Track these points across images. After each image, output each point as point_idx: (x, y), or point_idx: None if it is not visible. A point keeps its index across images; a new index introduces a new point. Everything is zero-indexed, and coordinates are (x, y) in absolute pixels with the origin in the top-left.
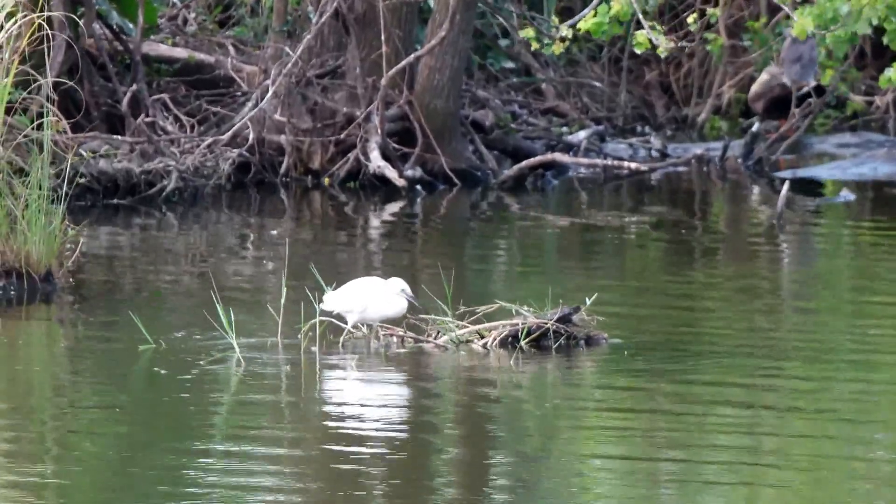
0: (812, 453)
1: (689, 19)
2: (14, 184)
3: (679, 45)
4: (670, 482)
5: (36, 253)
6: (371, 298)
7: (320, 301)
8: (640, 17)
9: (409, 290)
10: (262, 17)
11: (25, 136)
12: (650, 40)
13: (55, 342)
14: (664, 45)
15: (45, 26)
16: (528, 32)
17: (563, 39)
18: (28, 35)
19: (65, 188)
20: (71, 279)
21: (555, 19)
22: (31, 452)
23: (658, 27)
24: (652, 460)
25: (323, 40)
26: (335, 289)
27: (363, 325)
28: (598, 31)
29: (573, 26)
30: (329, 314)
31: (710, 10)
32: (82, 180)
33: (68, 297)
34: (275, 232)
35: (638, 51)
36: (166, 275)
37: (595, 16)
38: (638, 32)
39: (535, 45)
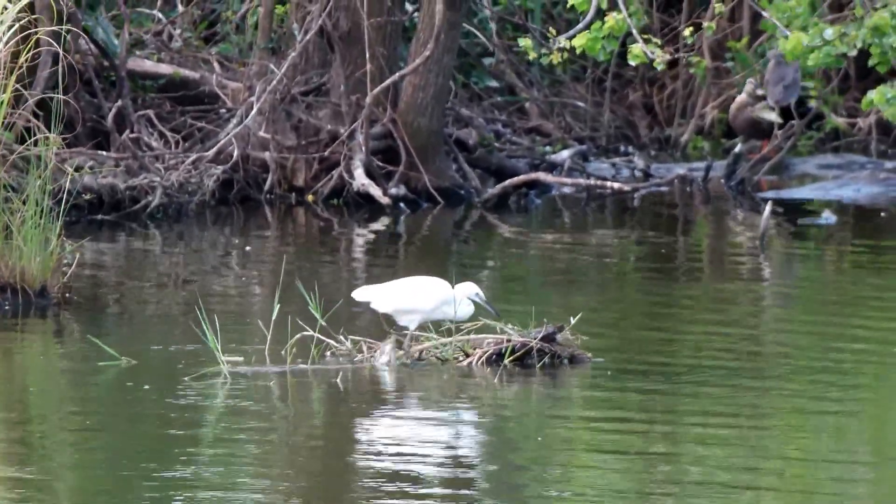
0: (797, 470)
1: (686, 32)
2: (11, 198)
3: (676, 56)
4: (656, 498)
5: (31, 268)
6: (442, 299)
7: (352, 296)
8: (635, 31)
9: (482, 295)
10: (247, 33)
11: (23, 152)
12: (645, 53)
13: (45, 357)
14: (660, 57)
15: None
16: (526, 43)
17: (560, 50)
18: (26, 52)
19: (63, 203)
20: (68, 294)
21: (552, 31)
22: (20, 459)
23: (654, 40)
24: (637, 479)
25: (308, 58)
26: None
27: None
28: (595, 48)
29: (569, 39)
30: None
31: (706, 24)
32: (87, 197)
33: (63, 313)
34: (248, 248)
35: (633, 63)
36: (155, 290)
37: (588, 32)
38: (633, 46)
39: (532, 56)
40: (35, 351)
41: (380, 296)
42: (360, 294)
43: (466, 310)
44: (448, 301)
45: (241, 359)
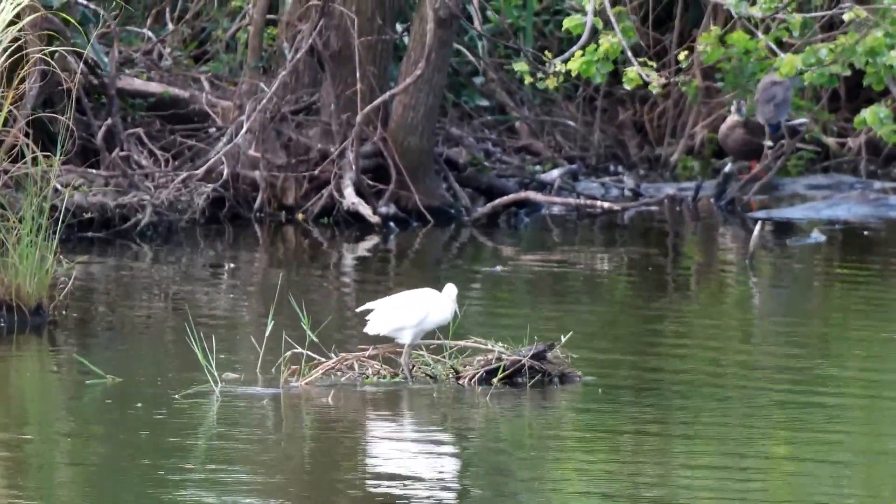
0: (788, 490)
1: (681, 56)
2: (7, 216)
3: (672, 80)
4: None
5: (26, 286)
6: (428, 308)
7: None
8: (629, 54)
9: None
10: (238, 52)
11: (18, 171)
12: (641, 76)
13: (39, 375)
14: (656, 80)
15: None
16: (522, 66)
17: (556, 74)
18: (21, 68)
19: (60, 222)
20: (64, 312)
21: (548, 54)
22: (10, 477)
23: (649, 63)
24: (629, 499)
25: (298, 76)
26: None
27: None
28: (590, 71)
29: (564, 62)
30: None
31: (700, 47)
32: (87, 215)
33: (58, 331)
34: (232, 265)
35: (628, 87)
36: (146, 308)
37: (583, 55)
38: (629, 69)
39: (528, 80)
40: (29, 369)
41: (376, 321)
42: (372, 321)
43: (450, 309)
44: (437, 307)
45: (239, 376)
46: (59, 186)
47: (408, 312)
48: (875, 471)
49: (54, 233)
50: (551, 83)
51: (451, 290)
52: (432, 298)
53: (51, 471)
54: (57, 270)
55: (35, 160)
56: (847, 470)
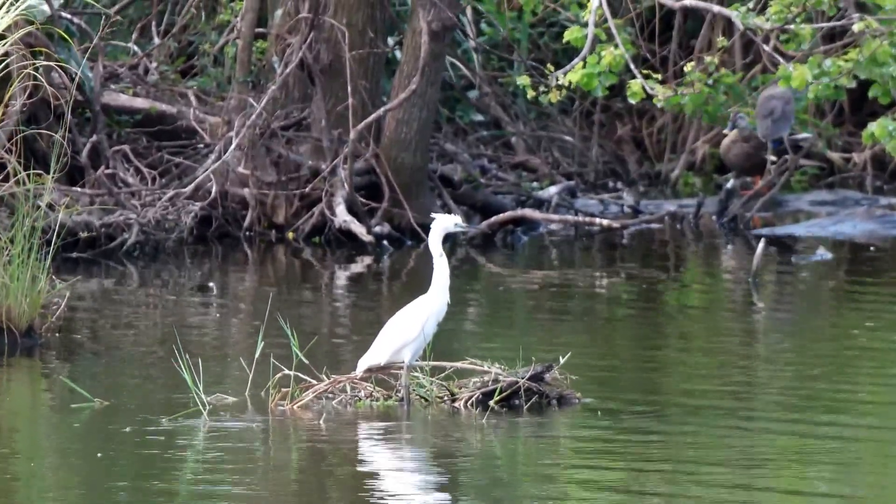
0: None
1: (687, 67)
2: None
3: (677, 93)
4: None
5: (17, 307)
6: (423, 322)
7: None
8: (632, 66)
9: (462, 223)
10: (226, 66)
11: (8, 190)
12: (645, 89)
13: (26, 398)
14: (661, 93)
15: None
16: (524, 80)
17: (559, 87)
18: (10, 86)
19: (52, 243)
20: (58, 334)
21: (550, 67)
22: None
23: (653, 75)
24: None
25: (288, 91)
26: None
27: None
28: (592, 84)
29: (564, 75)
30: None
31: (707, 59)
32: (83, 234)
33: (49, 353)
34: (212, 284)
35: (633, 101)
36: (134, 330)
37: (584, 67)
38: (632, 81)
39: (530, 94)
40: (18, 392)
41: (371, 356)
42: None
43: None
44: (427, 318)
45: (229, 399)
46: (51, 205)
47: (405, 329)
48: (887, 496)
49: (47, 253)
50: (553, 97)
51: (447, 220)
52: (419, 303)
53: (36, 494)
54: (49, 291)
55: (24, 178)
56: (858, 491)
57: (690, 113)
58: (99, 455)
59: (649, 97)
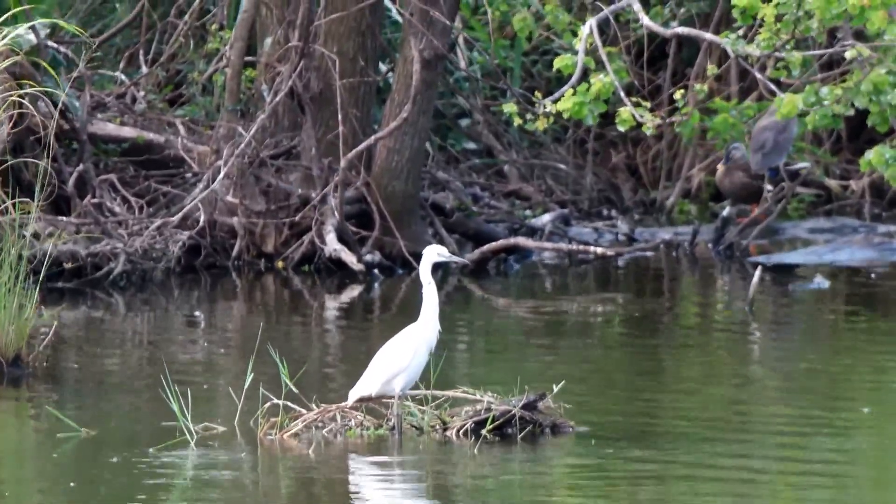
0: None
1: (677, 95)
2: None
3: (668, 121)
4: None
5: (4, 337)
6: (413, 351)
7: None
8: (622, 94)
9: (445, 252)
10: (215, 95)
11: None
12: (634, 117)
13: (11, 428)
14: (650, 121)
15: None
16: (511, 108)
17: (546, 115)
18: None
19: (41, 273)
20: (45, 363)
21: (538, 94)
22: None
23: (643, 103)
24: None
25: (277, 120)
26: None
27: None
28: (582, 112)
29: (554, 103)
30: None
31: (697, 86)
32: (68, 265)
33: (37, 382)
34: (199, 314)
35: (622, 128)
36: (122, 360)
37: (574, 94)
38: (622, 109)
39: (517, 122)
40: (4, 422)
41: (362, 386)
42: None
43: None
44: (418, 348)
45: (220, 429)
46: (36, 234)
47: (396, 358)
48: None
49: (34, 282)
50: (541, 124)
51: (432, 251)
52: (409, 332)
53: None
54: (37, 321)
55: (10, 207)
56: None
57: (687, 140)
58: (72, 485)
59: (639, 125)
